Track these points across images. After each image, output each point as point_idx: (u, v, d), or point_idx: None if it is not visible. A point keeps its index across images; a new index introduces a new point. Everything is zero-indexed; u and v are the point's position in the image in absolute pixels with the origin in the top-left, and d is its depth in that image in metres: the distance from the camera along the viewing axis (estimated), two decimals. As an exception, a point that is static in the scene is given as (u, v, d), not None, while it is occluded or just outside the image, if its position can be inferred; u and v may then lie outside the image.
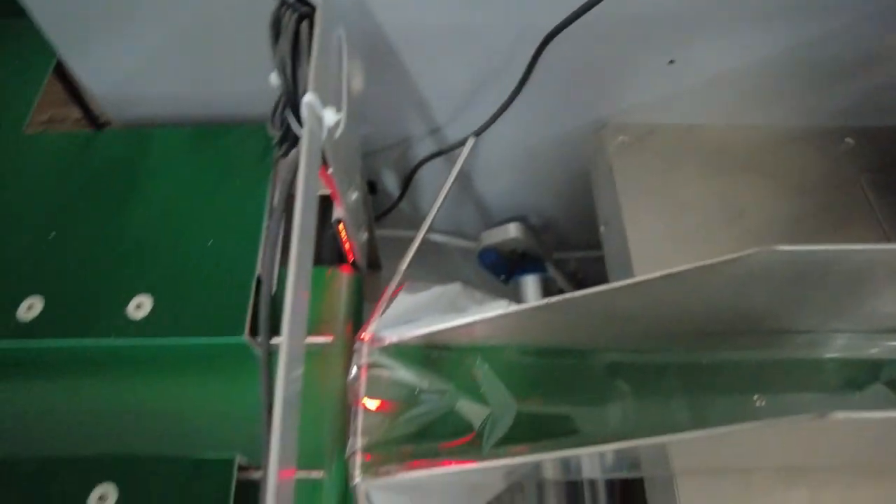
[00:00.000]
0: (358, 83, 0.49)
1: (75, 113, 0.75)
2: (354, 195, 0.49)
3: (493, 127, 0.61)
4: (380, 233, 0.74)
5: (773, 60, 0.55)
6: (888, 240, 0.55)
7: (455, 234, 0.74)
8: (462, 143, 0.59)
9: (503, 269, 0.72)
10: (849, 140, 0.61)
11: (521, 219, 0.73)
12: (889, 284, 0.41)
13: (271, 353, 0.39)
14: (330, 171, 0.42)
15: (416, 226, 0.74)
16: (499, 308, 0.44)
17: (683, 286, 0.39)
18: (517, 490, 0.62)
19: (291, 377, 0.28)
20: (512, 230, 0.70)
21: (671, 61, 0.54)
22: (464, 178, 0.69)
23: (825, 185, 0.59)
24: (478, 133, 0.57)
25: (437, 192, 0.69)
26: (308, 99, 0.35)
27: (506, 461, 0.40)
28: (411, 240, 0.76)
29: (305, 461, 0.43)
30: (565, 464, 0.44)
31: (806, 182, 0.59)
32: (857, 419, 0.32)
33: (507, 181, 0.70)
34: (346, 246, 0.51)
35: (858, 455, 0.44)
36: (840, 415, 0.31)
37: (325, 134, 0.38)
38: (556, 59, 0.54)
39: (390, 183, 0.69)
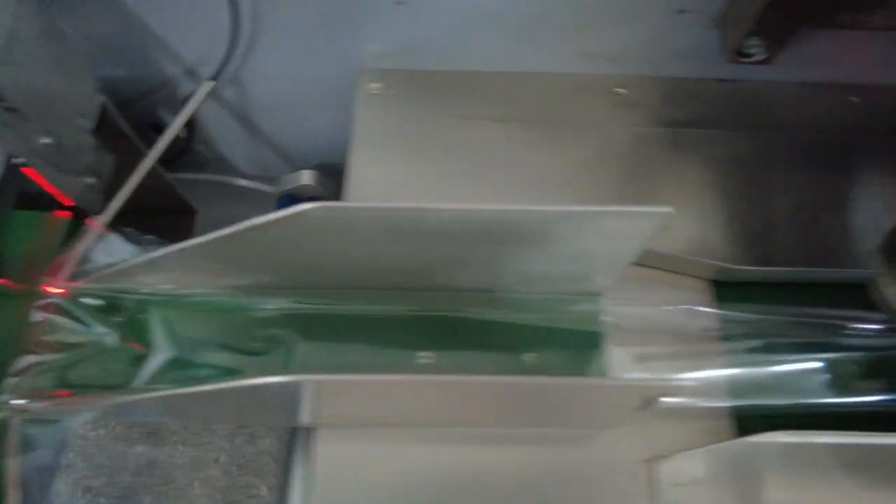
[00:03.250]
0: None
1: None
2: (46, 140, 0.51)
3: (257, 67, 0.63)
4: (188, 176, 0.77)
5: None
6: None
7: (263, 178, 0.76)
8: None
9: (304, 216, 0.74)
10: (620, 90, 0.60)
11: (325, 166, 0.74)
12: (507, 245, 0.42)
13: None
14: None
15: (221, 169, 0.77)
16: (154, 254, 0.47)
17: (269, 239, 0.40)
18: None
19: None
20: (305, 177, 0.72)
21: (397, 2, 0.54)
22: (247, 122, 0.71)
23: (588, 137, 0.58)
24: (214, 77, 0.58)
25: (229, 133, 0.72)
26: None
27: (126, 398, 0.44)
28: (220, 183, 0.79)
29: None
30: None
31: (568, 134, 0.58)
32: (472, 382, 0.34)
33: (296, 126, 0.71)
34: (52, 190, 0.54)
35: (499, 415, 0.45)
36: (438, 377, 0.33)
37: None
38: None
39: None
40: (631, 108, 0.60)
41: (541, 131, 0.58)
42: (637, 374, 0.49)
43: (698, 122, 0.59)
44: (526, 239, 0.41)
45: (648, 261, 0.52)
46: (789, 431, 0.46)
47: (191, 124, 0.70)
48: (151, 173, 0.69)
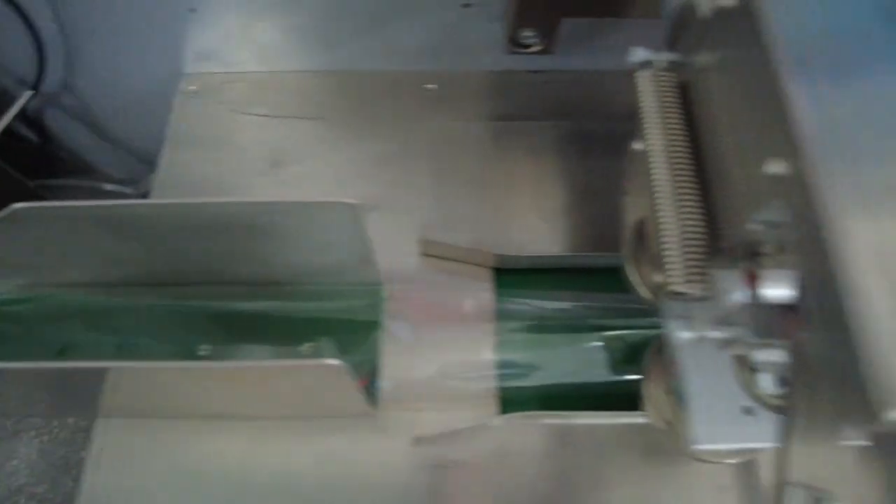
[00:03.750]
0: None
1: None
2: None
3: (87, 75, 0.65)
4: (57, 182, 0.80)
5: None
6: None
7: (127, 182, 0.79)
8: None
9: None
10: (430, 86, 0.62)
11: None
12: (247, 237, 0.44)
13: None
14: None
15: (91, 175, 0.80)
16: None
17: (9, 238, 0.43)
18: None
19: None
20: (159, 179, 0.74)
21: (192, 10, 0.56)
22: (97, 128, 0.73)
23: (393, 133, 0.60)
24: (34, 87, 0.61)
25: (84, 140, 0.75)
26: None
27: None
28: (89, 189, 0.82)
29: None
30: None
31: (374, 130, 0.60)
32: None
33: (146, 129, 0.73)
34: None
35: (249, 404, 0.47)
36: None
37: None
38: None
39: (27, 133, 0.74)
40: (440, 102, 0.61)
41: (346, 128, 0.60)
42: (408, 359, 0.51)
43: (506, 114, 0.60)
44: (257, 231, 0.43)
45: (434, 251, 0.54)
46: (545, 412, 0.48)
47: (43, 132, 0.73)
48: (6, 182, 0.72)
